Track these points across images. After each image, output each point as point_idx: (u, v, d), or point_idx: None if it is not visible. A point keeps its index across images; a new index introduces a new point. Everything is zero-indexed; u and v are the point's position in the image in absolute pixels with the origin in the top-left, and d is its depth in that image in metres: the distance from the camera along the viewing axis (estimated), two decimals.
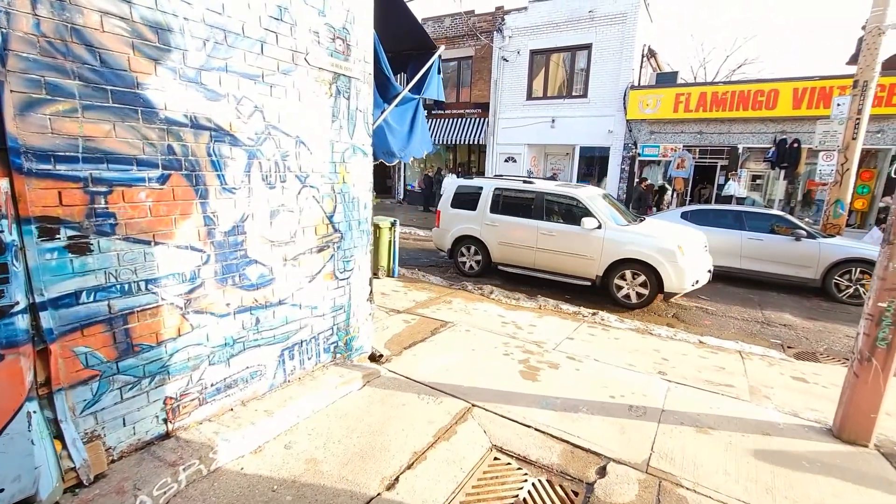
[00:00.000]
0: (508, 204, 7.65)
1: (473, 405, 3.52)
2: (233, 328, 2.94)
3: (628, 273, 6.62)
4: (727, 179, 13.27)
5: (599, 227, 6.71)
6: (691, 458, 3.00)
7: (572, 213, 7.06)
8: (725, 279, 8.66)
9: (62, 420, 2.15)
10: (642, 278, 6.51)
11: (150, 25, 2.28)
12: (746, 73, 26.61)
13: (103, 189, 2.20)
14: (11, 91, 1.87)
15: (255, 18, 2.77)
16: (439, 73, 5.16)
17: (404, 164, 20.48)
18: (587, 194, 7.13)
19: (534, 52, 15.96)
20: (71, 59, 2.03)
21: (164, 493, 2.34)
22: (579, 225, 6.77)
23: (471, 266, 8.19)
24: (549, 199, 7.34)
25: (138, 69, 2.26)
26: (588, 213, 6.82)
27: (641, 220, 7.53)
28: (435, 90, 5.09)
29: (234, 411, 3.01)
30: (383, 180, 21.82)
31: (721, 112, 13.01)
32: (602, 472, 2.83)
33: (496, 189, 7.78)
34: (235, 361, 3.00)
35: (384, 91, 4.44)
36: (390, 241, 7.32)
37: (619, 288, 6.72)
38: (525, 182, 7.69)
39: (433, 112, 18.55)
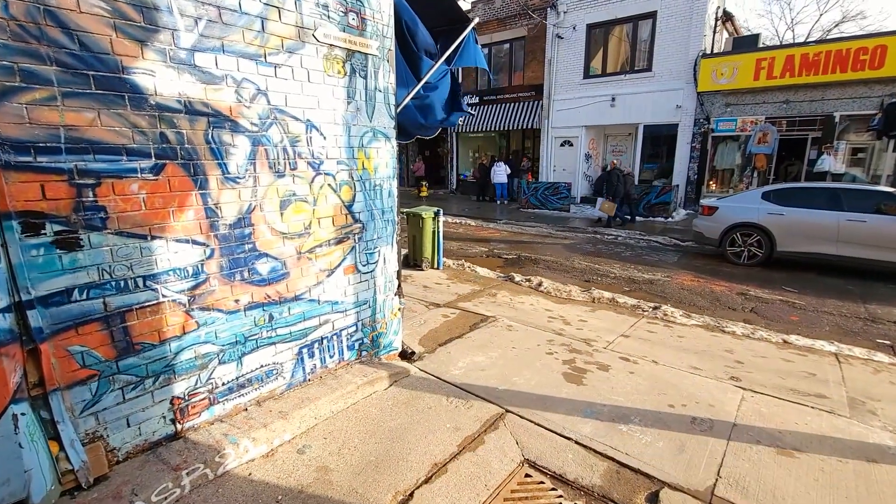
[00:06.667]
0: None
1: (507, 411, 3.17)
2: (244, 325, 2.80)
3: None
4: (820, 154, 11.55)
5: None
6: (770, 487, 2.45)
7: None
8: (817, 268, 7.53)
9: (59, 421, 2.08)
10: None
11: (132, 4, 2.12)
12: (846, 31, 23.33)
13: (91, 181, 2.09)
14: None
15: None
16: (476, 42, 4.72)
17: (457, 154, 20.16)
18: None
19: (591, 27, 14.91)
20: (46, 44, 1.91)
21: (165, 498, 2.23)
22: None
23: None
24: None
25: (122, 52, 2.12)
26: None
27: None
28: (472, 57, 4.65)
29: (248, 412, 2.88)
30: (436, 171, 21.64)
31: (813, 76, 11.35)
32: (654, 499, 2.38)
33: None
34: (248, 360, 2.86)
35: (413, 67, 4.12)
36: (434, 232, 7.06)
37: None
38: None
39: (485, 98, 18.04)
